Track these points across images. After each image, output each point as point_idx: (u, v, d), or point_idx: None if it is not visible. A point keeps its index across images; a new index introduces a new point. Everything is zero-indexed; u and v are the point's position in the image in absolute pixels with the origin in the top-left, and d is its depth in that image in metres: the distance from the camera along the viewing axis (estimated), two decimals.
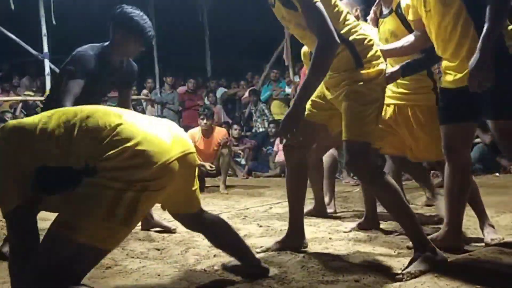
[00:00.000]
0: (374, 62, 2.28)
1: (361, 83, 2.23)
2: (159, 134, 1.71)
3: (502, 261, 2.23)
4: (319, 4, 2.13)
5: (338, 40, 2.13)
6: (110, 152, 1.59)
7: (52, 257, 1.57)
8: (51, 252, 1.57)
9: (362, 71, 2.24)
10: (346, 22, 2.27)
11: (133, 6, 2.87)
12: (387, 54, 2.74)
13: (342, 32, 2.22)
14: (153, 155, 1.63)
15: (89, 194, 1.58)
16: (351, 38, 2.25)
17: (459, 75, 2.33)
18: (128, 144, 1.61)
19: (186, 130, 3.83)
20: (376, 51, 2.33)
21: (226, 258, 2.50)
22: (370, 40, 2.33)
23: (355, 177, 6.40)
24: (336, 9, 2.27)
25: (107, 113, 1.73)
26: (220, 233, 2.11)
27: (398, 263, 2.31)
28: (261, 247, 2.66)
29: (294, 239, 2.62)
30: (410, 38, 2.69)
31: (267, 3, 2.42)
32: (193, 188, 1.95)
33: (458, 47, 2.31)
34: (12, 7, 7.47)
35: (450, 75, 2.39)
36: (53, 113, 1.76)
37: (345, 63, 2.26)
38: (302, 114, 2.23)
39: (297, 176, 2.60)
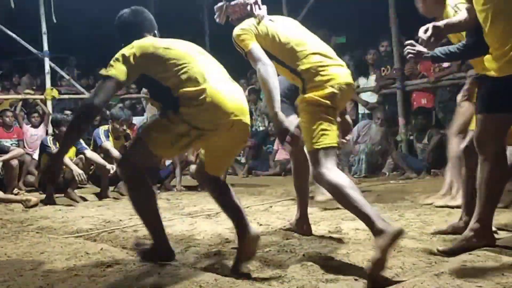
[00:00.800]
0: (323, 86, 2.44)
1: (305, 103, 2.48)
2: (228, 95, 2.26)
3: (502, 260, 2.23)
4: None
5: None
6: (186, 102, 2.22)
7: (134, 152, 2.45)
8: (134, 149, 2.48)
9: (306, 95, 2.47)
10: (298, 54, 2.52)
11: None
12: (449, 29, 2.48)
13: (290, 64, 2.55)
14: (217, 111, 2.21)
15: (169, 125, 2.28)
16: (298, 68, 2.51)
17: (500, 63, 2.18)
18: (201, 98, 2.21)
19: None
20: (326, 76, 2.46)
21: (226, 257, 2.51)
22: (322, 65, 2.49)
23: (355, 175, 6.43)
24: (286, 46, 2.55)
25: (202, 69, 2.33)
26: (224, 193, 2.45)
27: (398, 262, 2.32)
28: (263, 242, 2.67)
29: (302, 223, 3.08)
30: (463, 14, 2.44)
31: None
32: (235, 155, 2.47)
33: (510, 32, 2.13)
34: (13, 5, 7.46)
35: (492, 62, 2.24)
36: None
37: (299, 87, 2.55)
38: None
39: (298, 167, 3.05)
